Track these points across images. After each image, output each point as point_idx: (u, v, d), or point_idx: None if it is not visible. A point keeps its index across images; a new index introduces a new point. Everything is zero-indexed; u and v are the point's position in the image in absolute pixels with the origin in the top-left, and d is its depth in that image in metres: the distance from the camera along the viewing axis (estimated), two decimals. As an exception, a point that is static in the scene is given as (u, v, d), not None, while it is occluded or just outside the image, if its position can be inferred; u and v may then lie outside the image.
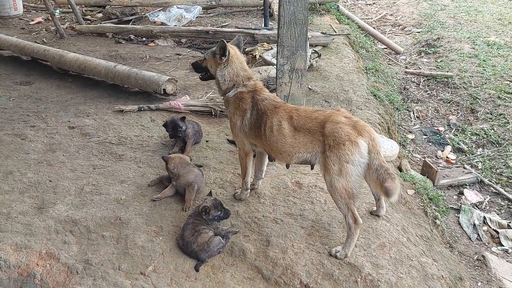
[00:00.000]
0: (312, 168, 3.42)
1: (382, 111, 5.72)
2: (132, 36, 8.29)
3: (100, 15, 9.85)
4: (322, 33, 7.58)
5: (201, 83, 6.12)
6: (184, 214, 3.66)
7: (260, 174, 3.92)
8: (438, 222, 4.21)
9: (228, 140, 4.80)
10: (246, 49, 7.29)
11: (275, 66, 6.18)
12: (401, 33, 11.63)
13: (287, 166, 3.65)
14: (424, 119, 7.15)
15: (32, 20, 9.93)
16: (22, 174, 4.17)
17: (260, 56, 6.94)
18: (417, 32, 11.36)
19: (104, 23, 8.97)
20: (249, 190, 3.82)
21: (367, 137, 3.05)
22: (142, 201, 3.84)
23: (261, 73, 5.89)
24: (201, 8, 9.24)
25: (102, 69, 5.95)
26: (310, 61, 6.35)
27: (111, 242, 3.40)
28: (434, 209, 4.32)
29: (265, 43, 7.44)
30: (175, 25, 8.59)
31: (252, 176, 3.88)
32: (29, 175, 4.16)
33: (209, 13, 9.54)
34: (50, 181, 4.09)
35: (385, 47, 10.30)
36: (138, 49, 7.64)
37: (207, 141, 4.78)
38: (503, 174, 5.80)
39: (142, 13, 9.56)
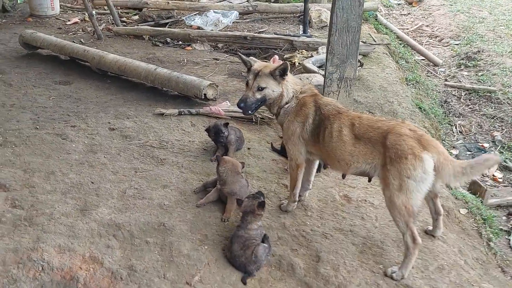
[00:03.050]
0: (369, 181, 3.29)
1: (428, 125, 5.53)
2: (168, 39, 8.27)
3: (136, 17, 9.87)
4: (362, 42, 7.42)
5: (240, 89, 6.03)
6: (228, 224, 3.55)
7: (308, 185, 3.79)
8: (492, 244, 3.99)
9: (272, 147, 4.68)
10: (285, 56, 7.19)
11: (318, 73, 6.08)
12: (439, 45, 11.34)
13: (343, 176, 3.51)
14: (467, 134, 6.91)
15: (69, 20, 10.02)
16: (64, 175, 4.13)
17: (299, 63, 6.82)
18: (456, 44, 11.06)
19: (141, 25, 8.98)
20: (296, 202, 3.68)
21: (433, 152, 2.88)
22: (185, 208, 3.74)
23: (302, 80, 5.75)
24: (238, 13, 9.18)
25: (142, 71, 5.92)
26: (351, 70, 6.19)
27: (155, 249, 3.31)
28: (489, 230, 4.11)
29: (304, 50, 7.32)
30: (212, 30, 8.54)
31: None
32: (71, 176, 4.11)
33: (244, 19, 9.46)
34: (92, 182, 4.03)
35: (423, 58, 10.05)
36: (176, 53, 7.60)
37: (248, 149, 4.67)
38: (553, 196, 5.52)
39: (178, 17, 9.53)
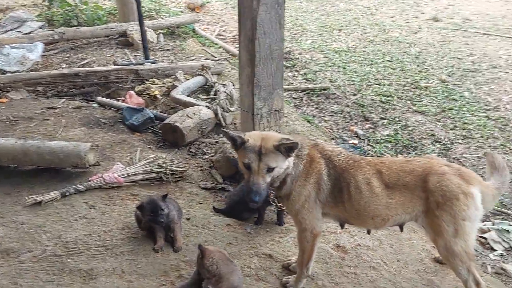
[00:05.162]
0: (401, 230, 2.90)
1: (326, 139, 5.44)
2: (-43, 92, 6.17)
3: None
4: (213, 60, 6.93)
5: (116, 142, 4.85)
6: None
7: (311, 251, 3.18)
8: None
9: (215, 209, 3.85)
10: (137, 89, 6.16)
11: (199, 105, 5.31)
12: (247, 49, 11.63)
13: (369, 232, 3.02)
14: (332, 133, 7.16)
15: None
16: None
17: (160, 95, 5.92)
18: (261, 46, 11.52)
19: None
20: (308, 277, 3.04)
21: (477, 185, 2.67)
22: (173, 334, 2.71)
23: (191, 118, 4.96)
24: (43, 45, 7.48)
25: (-28, 148, 4.16)
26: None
27: None
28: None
29: (154, 79, 6.39)
30: (17, 70, 6.75)
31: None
32: None
33: (50, 50, 7.78)
34: None
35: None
36: (-12, 109, 5.71)
37: (188, 219, 3.72)
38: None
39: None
